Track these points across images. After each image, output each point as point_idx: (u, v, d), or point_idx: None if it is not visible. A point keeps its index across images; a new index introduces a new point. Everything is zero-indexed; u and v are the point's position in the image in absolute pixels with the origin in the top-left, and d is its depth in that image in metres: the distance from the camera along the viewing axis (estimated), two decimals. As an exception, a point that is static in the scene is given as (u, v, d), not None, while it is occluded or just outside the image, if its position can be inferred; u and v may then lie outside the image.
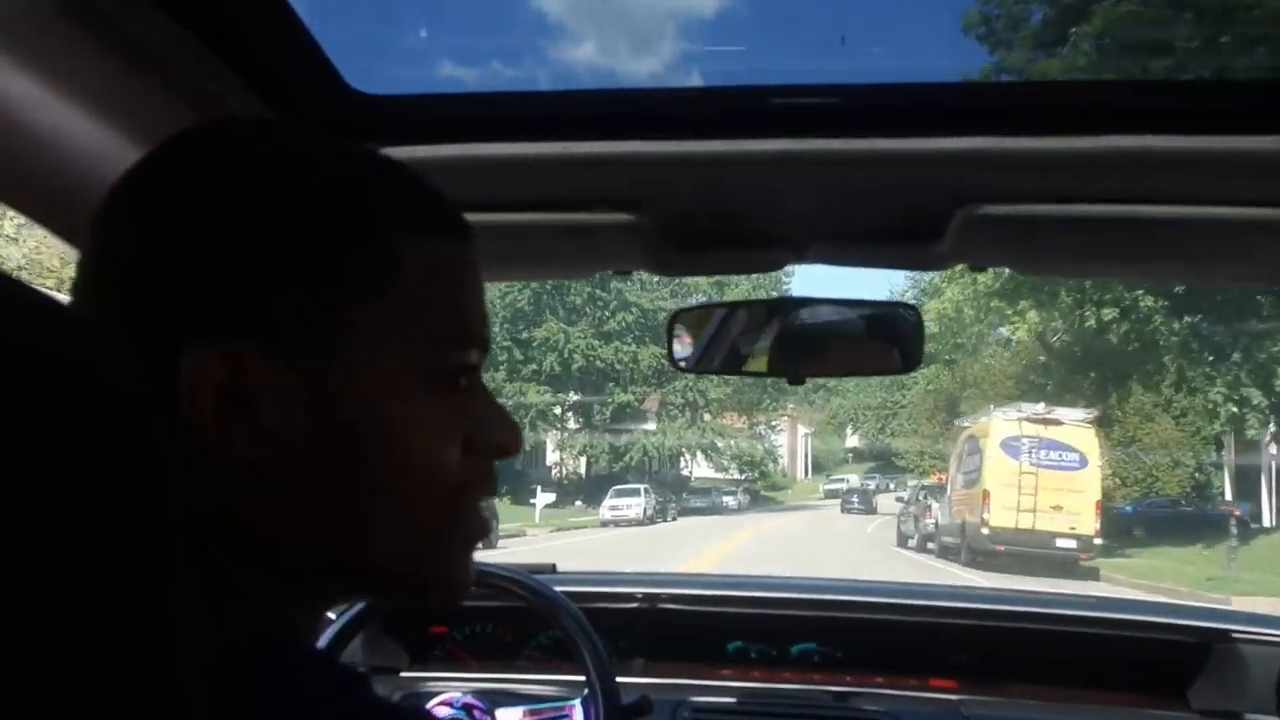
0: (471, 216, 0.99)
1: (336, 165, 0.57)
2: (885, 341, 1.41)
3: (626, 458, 44.92)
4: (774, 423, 58.34)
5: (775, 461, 59.53)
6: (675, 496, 43.04)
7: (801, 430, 70.63)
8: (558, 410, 43.94)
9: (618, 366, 43.06)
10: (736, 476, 53.17)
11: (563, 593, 1.52)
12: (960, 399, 34.54)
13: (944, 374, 38.29)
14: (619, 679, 1.41)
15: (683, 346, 1.47)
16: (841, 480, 58.46)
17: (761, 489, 56.29)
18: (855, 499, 45.39)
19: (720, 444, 49.58)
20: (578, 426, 45.99)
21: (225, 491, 0.52)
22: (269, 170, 0.54)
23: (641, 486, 35.86)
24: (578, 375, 42.83)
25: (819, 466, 73.27)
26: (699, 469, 53.81)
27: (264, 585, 0.54)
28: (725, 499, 44.20)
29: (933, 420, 39.67)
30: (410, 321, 0.55)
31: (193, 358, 0.50)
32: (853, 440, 75.76)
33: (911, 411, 38.37)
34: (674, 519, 36.08)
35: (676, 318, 1.48)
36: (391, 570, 0.56)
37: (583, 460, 47.04)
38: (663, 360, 36.41)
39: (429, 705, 1.56)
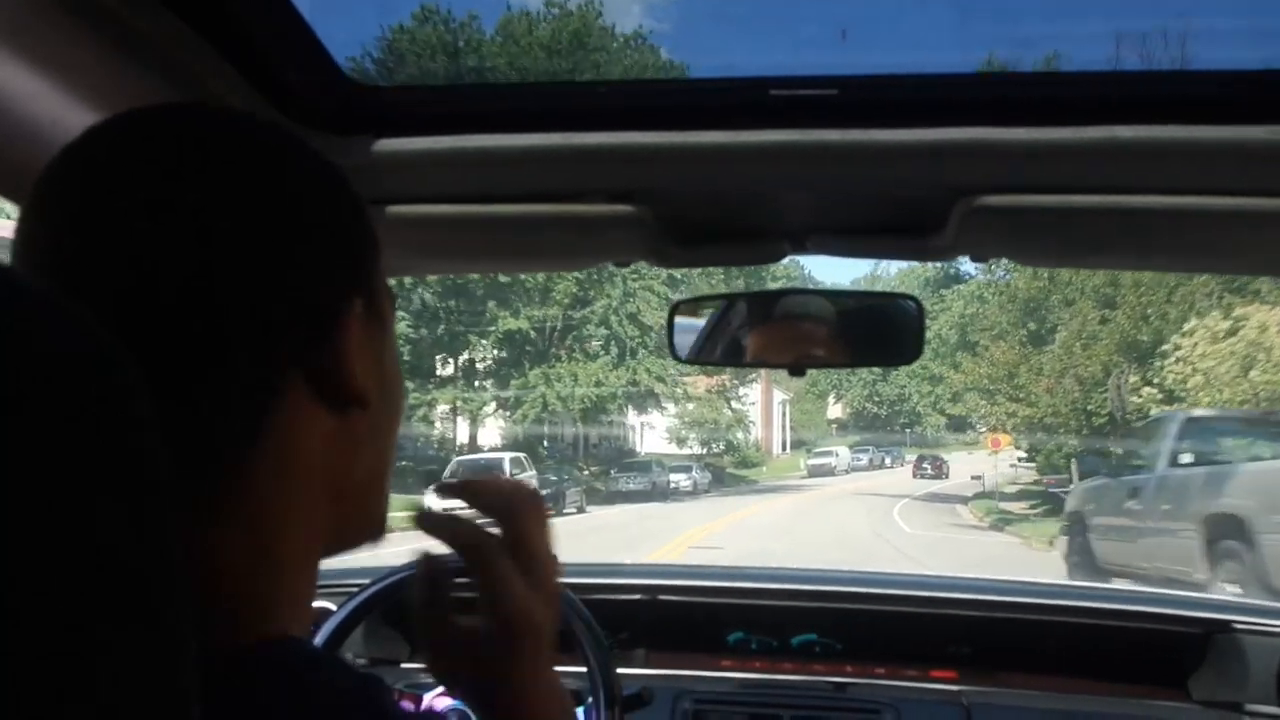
0: (469, 208, 0.99)
1: (308, 148, 0.61)
2: (887, 332, 1.41)
3: (519, 414, 32.42)
4: (744, 384, 45.97)
5: (746, 430, 48.82)
6: (603, 474, 33.26)
7: (779, 396, 59.32)
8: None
9: (502, 277, 28.99)
10: (698, 451, 44.38)
11: (563, 584, 1.52)
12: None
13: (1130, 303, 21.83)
14: (620, 670, 1.41)
15: (683, 338, 1.47)
16: (829, 453, 50.86)
17: (729, 465, 46.22)
18: (927, 465, 45.08)
19: (666, 399, 38.55)
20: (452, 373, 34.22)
21: (322, 436, 0.57)
22: (303, 154, 0.59)
23: (508, 456, 25.13)
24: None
25: (798, 441, 61.41)
26: (653, 442, 45.07)
27: (263, 573, 0.55)
28: (674, 478, 33.12)
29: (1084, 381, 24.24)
30: (385, 282, 0.64)
31: (343, 315, 0.56)
32: (835, 410, 68.30)
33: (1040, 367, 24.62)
34: (579, 509, 24.57)
35: (676, 309, 1.48)
36: (380, 510, 0.64)
37: (463, 423, 34.92)
38: (578, 278, 30.73)
39: (429, 695, 1.56)
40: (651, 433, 45.97)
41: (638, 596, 2.06)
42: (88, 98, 0.77)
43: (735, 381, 43.51)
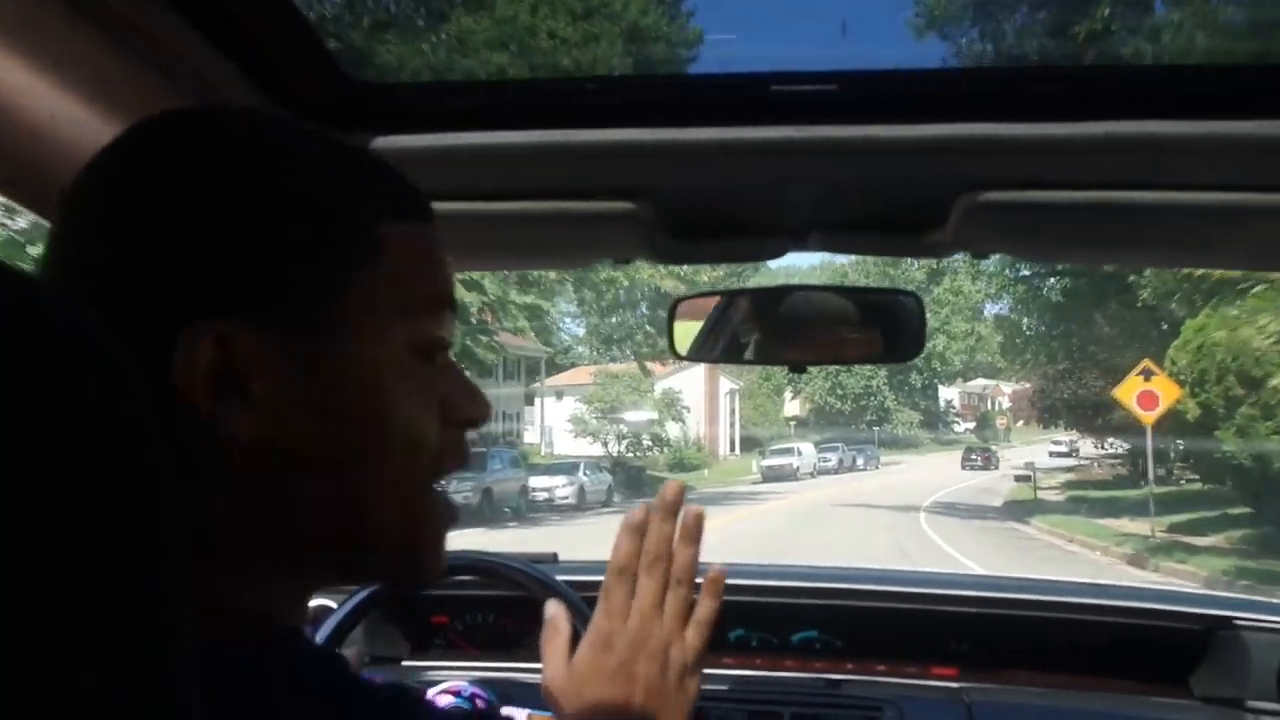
0: (470, 205, 0.98)
1: (318, 151, 0.58)
2: (887, 329, 1.41)
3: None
4: (666, 367, 35.96)
5: (679, 419, 38.29)
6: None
7: (726, 385, 48.18)
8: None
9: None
10: (615, 450, 35.53)
11: (565, 582, 1.52)
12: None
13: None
14: None
15: (683, 334, 1.47)
16: (789, 451, 41.44)
17: (663, 467, 36.37)
18: (975, 456, 44.33)
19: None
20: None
21: (225, 476, 0.53)
22: (255, 154, 0.56)
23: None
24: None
25: (750, 440, 49.85)
26: (563, 441, 36.95)
27: (258, 572, 0.55)
28: (543, 484, 24.25)
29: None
30: (393, 295, 0.57)
31: (185, 338, 0.50)
32: (794, 407, 58.63)
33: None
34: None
35: (677, 305, 1.48)
36: (380, 547, 0.58)
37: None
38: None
39: (431, 693, 1.56)
40: (559, 425, 38.28)
41: None
42: (88, 97, 0.78)
43: (671, 362, 32.67)
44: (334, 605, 1.57)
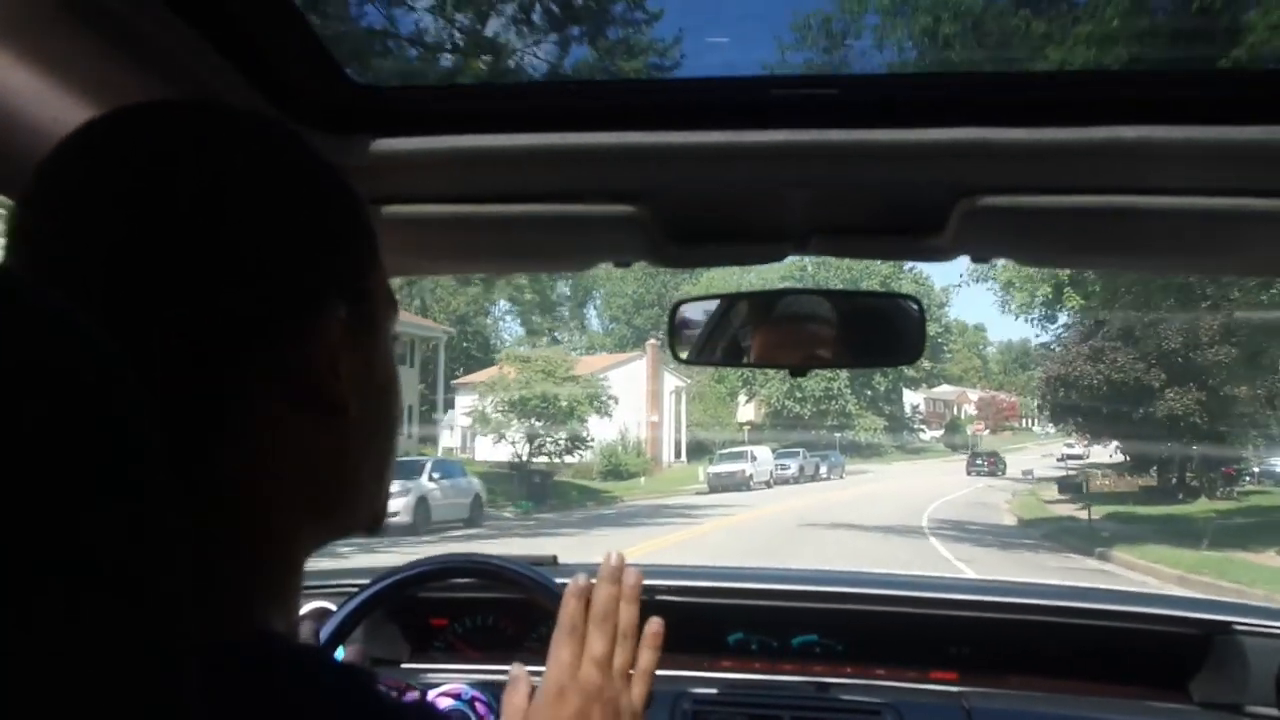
0: (468, 208, 0.99)
1: (312, 148, 0.62)
2: (888, 332, 1.41)
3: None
4: (605, 360, 32.26)
5: (603, 413, 31.54)
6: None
7: (671, 382, 43.58)
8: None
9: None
10: (523, 452, 29.94)
11: (564, 585, 1.52)
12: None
13: None
14: None
15: (684, 337, 1.48)
16: (741, 456, 36.18)
17: (576, 474, 31.90)
18: (981, 461, 43.96)
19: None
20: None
21: (307, 444, 0.57)
22: (292, 152, 0.59)
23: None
24: None
25: (700, 447, 44.52)
26: (486, 445, 32.05)
27: (273, 554, 0.57)
28: None
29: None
30: (384, 284, 0.64)
31: (319, 321, 0.56)
32: (748, 411, 52.99)
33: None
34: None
35: (678, 308, 1.48)
36: (370, 501, 0.64)
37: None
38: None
39: (431, 694, 1.55)
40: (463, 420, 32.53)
41: None
42: (88, 97, 0.78)
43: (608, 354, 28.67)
44: (333, 608, 1.57)
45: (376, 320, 0.62)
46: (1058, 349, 27.98)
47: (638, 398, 39.15)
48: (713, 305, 1.47)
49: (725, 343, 1.45)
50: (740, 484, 33.45)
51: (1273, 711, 1.71)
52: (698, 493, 31.85)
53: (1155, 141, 0.95)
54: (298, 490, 0.57)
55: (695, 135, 1.00)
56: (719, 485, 32.89)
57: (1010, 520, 23.28)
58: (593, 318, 68.54)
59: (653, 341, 42.36)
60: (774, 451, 39.48)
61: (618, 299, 66.60)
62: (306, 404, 0.56)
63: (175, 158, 0.54)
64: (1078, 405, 25.94)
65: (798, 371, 1.46)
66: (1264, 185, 1.02)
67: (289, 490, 0.56)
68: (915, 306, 1.41)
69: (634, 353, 42.36)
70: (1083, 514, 21.02)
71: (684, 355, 1.49)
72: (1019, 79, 1.19)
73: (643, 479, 35.18)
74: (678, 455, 44.45)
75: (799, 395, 52.25)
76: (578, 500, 27.39)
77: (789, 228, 1.23)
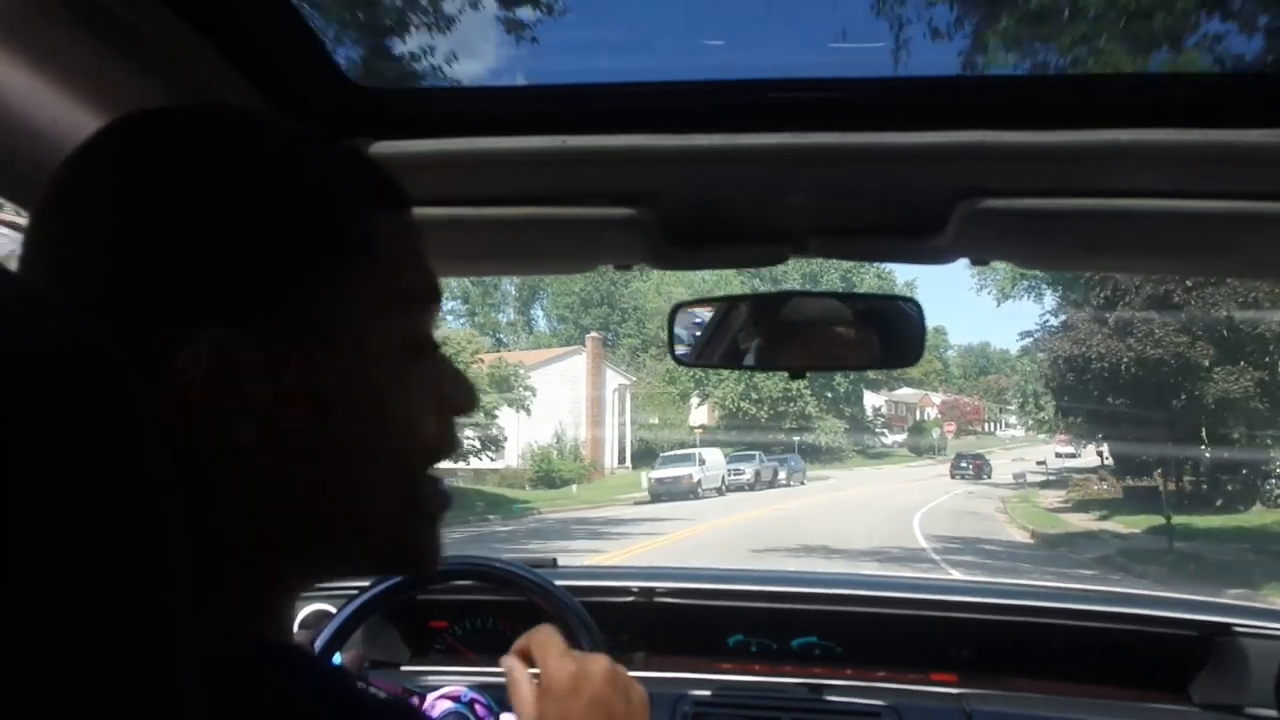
0: (471, 211, 0.98)
1: (303, 148, 0.58)
2: (888, 334, 1.41)
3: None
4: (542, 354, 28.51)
5: (518, 407, 29.61)
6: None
7: (615, 379, 40.10)
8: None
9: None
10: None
11: (563, 587, 1.53)
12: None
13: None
14: None
15: (683, 339, 1.48)
16: (688, 459, 32.40)
17: (490, 481, 28.91)
18: (966, 464, 41.62)
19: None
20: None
21: (224, 484, 0.52)
22: (245, 156, 0.55)
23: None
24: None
25: (647, 452, 39.86)
26: None
27: (255, 576, 0.55)
28: None
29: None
30: (387, 292, 0.57)
31: (181, 349, 0.50)
32: (701, 414, 48.90)
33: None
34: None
35: (677, 310, 1.48)
36: (381, 539, 0.58)
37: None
38: None
39: (431, 696, 1.55)
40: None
41: (637, 599, 2.05)
42: (88, 98, 0.77)
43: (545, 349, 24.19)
44: (333, 610, 1.57)
45: (335, 329, 0.54)
46: (1054, 330, 24.50)
47: (577, 396, 36.42)
48: (713, 307, 1.47)
49: (724, 345, 1.45)
50: (687, 491, 30.15)
51: (1272, 713, 1.71)
52: (637, 502, 28.89)
53: (1155, 144, 0.95)
54: (271, 519, 0.54)
55: (695, 138, 1.00)
56: (662, 493, 29.73)
57: (1019, 535, 20.44)
58: (540, 318, 65.71)
59: (594, 335, 40.05)
60: (727, 455, 35.60)
61: (564, 297, 64.42)
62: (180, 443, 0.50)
63: (188, 169, 0.53)
64: (1093, 392, 22.06)
65: (797, 374, 1.46)
66: (1264, 188, 1.03)
67: (260, 520, 0.54)
68: (915, 308, 1.40)
69: (573, 346, 38.61)
70: (1099, 525, 19.13)
71: (684, 358, 1.49)
72: (1019, 81, 1.19)
73: (574, 487, 31.87)
74: (622, 460, 40.84)
75: (755, 397, 47.42)
76: (480, 513, 24.16)
77: (790, 230, 1.23)
